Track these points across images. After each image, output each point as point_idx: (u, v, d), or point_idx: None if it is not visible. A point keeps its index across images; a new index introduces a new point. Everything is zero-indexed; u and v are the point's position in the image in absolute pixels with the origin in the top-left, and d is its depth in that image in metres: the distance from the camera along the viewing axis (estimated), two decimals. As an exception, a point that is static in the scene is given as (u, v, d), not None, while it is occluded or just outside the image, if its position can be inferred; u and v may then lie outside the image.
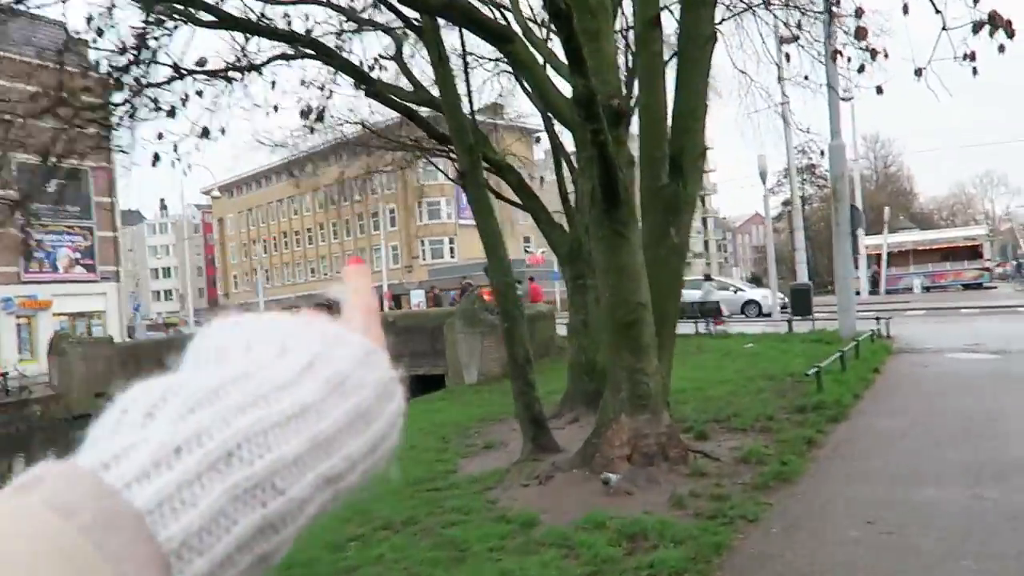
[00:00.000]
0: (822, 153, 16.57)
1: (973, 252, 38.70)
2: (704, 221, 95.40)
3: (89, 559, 0.29)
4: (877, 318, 16.33)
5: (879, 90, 12.07)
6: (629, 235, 6.19)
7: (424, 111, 9.82)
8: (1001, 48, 10.26)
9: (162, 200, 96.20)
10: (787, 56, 14.58)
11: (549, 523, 5.49)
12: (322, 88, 12.44)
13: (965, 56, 10.43)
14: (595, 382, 9.65)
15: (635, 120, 7.24)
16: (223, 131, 11.60)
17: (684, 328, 20.02)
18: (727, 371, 12.23)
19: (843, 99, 33.77)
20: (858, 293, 35.32)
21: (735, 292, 27.10)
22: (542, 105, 7.96)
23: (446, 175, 15.18)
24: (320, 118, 12.69)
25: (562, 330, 19.96)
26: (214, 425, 0.34)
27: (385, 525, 5.86)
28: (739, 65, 18.02)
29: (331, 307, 0.46)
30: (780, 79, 15.12)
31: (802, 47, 16.11)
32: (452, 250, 61.02)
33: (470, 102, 7.29)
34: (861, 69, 12.20)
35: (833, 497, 5.62)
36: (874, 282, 37.64)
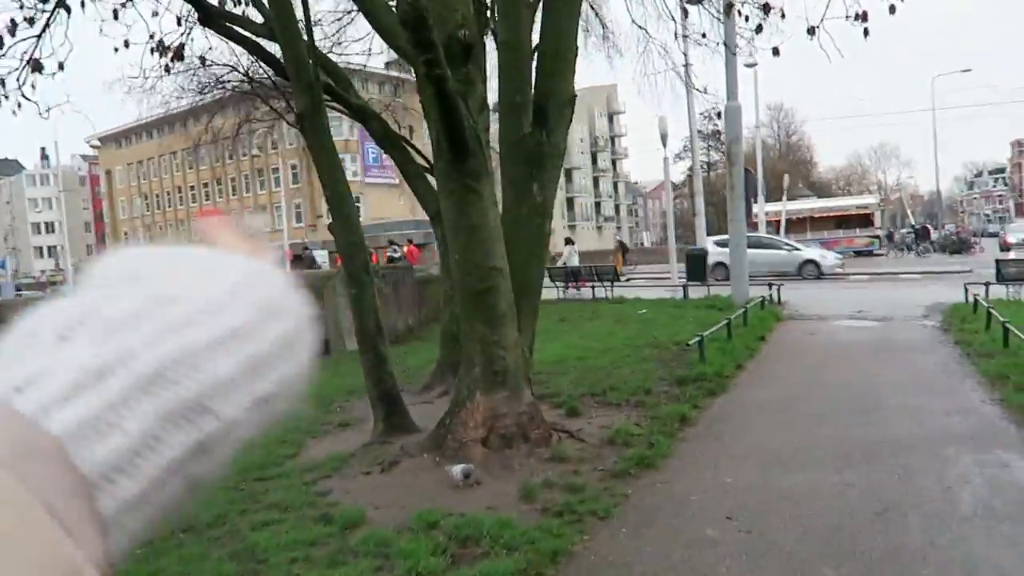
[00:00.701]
0: (719, 115, 16.22)
1: (865, 220, 40.07)
2: (615, 185, 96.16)
3: (12, 490, 0.27)
4: (769, 284, 16.28)
5: (775, 51, 11.68)
6: (481, 190, 5.39)
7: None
8: (892, 9, 9.99)
9: (42, 149, 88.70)
10: (685, 12, 14.05)
11: (377, 523, 4.73)
12: (179, 22, 11.05)
13: (857, 16, 10.12)
14: (468, 352, 8.93)
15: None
16: (61, 66, 10.15)
17: (581, 292, 19.69)
18: (616, 338, 11.74)
19: (746, 65, 33.77)
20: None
21: (790, 251, 23.52)
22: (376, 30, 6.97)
23: (285, 119, 13.90)
24: (179, 57, 11.30)
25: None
26: (140, 346, 0.32)
27: (188, 526, 4.95)
28: (639, 21, 17.39)
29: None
30: (677, 36, 14.53)
31: (703, 5, 15.66)
32: (358, 209, 58.93)
33: (309, 31, 6.24)
34: (759, 29, 11.77)
35: (695, 485, 5.07)
36: None
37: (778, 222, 39.83)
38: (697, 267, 17.21)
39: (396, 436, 6.70)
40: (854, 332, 11.59)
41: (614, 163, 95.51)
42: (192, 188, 68.58)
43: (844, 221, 40.78)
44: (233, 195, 65.49)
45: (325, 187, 6.55)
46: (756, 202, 39.61)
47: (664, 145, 21.85)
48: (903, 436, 5.84)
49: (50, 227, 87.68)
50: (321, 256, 48.63)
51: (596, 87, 79.64)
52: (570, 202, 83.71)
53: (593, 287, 18.72)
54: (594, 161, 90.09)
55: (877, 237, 39.32)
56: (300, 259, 28.08)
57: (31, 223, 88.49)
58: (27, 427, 0.29)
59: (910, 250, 36.43)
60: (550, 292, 20.08)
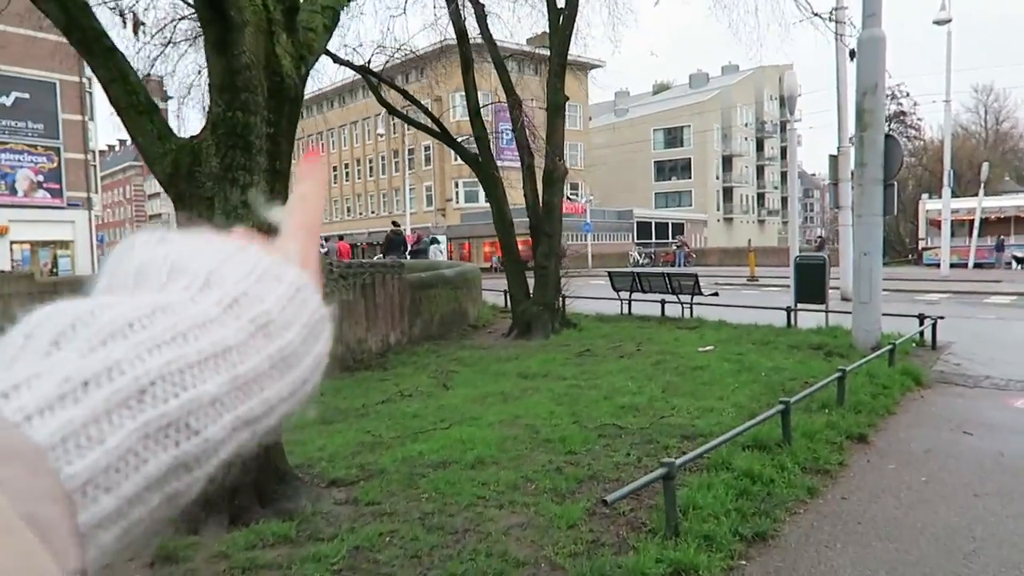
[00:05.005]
0: (852, 55, 10.68)
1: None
2: (783, 176, 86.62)
3: None
4: (921, 317, 10.57)
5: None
6: None
7: None
8: None
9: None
10: None
11: None
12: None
13: None
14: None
15: None
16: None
17: (648, 308, 14.65)
18: (607, 407, 6.95)
19: (936, 22, 26.37)
20: (938, 267, 28.62)
21: None
22: None
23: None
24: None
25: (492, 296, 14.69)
26: (127, 359, 0.32)
27: None
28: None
29: (268, 230, 0.43)
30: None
31: None
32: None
33: None
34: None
35: None
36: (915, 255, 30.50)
37: (970, 222, 31.80)
38: (812, 283, 11.69)
39: None
40: (1059, 434, 6.07)
41: (783, 151, 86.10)
42: (335, 168, 68.58)
43: (1063, 223, 32.01)
44: (370, 176, 64.70)
45: None
46: (939, 196, 31.84)
47: (791, 112, 16.21)
48: None
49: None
50: (440, 243, 45.20)
51: (766, 67, 71.14)
52: (727, 192, 76.09)
53: (663, 302, 13.61)
54: (759, 148, 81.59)
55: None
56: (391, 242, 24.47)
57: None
58: (10, 431, 0.28)
59: None
60: (613, 306, 15.22)
